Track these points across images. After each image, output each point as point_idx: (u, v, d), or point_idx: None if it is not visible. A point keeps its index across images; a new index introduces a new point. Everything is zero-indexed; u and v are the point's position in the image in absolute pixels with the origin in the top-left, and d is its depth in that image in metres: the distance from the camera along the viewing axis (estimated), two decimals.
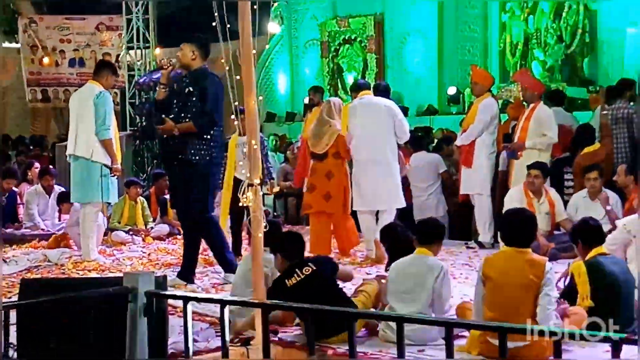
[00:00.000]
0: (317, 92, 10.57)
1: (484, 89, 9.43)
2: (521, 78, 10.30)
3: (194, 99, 7.09)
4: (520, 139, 9.03)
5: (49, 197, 10.65)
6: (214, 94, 7.09)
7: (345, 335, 4.92)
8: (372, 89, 9.16)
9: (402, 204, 8.63)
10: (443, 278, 5.32)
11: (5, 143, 16.09)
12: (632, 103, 9.54)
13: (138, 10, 17.70)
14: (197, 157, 7.05)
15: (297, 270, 5.49)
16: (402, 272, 5.40)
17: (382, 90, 9.22)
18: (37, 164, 11.87)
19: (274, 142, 13.53)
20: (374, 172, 8.50)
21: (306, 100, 15.05)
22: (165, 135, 7.20)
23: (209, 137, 7.10)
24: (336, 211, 8.69)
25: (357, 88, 9.22)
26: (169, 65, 7.33)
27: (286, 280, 5.51)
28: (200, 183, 7.12)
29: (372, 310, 5.36)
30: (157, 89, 7.45)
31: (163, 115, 7.16)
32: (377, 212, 8.64)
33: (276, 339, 5.38)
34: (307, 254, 8.73)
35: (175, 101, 7.18)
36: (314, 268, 5.50)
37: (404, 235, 6.52)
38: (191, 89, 7.12)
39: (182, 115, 7.08)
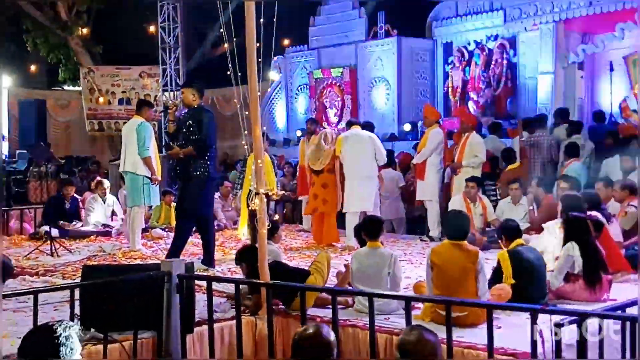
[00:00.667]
0: (313, 123, 10.60)
1: (432, 121, 9.45)
2: (460, 113, 10.32)
3: (193, 129, 7.14)
4: (458, 159, 9.07)
5: (104, 203, 10.56)
6: (207, 125, 7.16)
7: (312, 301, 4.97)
8: (360, 124, 9.28)
9: (371, 208, 8.63)
10: (395, 263, 5.30)
11: (70, 162, 15.94)
12: (544, 133, 9.62)
13: (171, 62, 17.66)
14: (197, 173, 7.12)
15: None
16: (363, 262, 5.37)
17: (368, 126, 9.45)
18: (98, 178, 11.74)
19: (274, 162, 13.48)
20: (360, 184, 8.68)
21: (299, 133, 15.07)
22: (174, 158, 7.33)
23: (206, 157, 7.14)
24: (329, 212, 8.95)
25: (349, 123, 9.51)
26: (174, 105, 7.47)
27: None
28: (200, 191, 7.15)
29: (350, 288, 5.34)
30: (167, 124, 7.43)
31: (170, 143, 7.30)
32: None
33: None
34: (308, 242, 8.91)
35: (181, 132, 7.23)
36: (271, 260, 5.41)
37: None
38: (191, 122, 7.18)
39: (186, 142, 7.16)
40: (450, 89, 14.07)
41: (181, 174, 7.29)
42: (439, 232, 8.96)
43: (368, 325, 4.20)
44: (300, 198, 10.62)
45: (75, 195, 10.67)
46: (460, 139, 9.40)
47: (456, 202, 8.24)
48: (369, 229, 5.58)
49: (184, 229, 7.35)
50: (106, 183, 10.48)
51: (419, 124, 13.11)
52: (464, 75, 13.81)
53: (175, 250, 7.17)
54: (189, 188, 7.20)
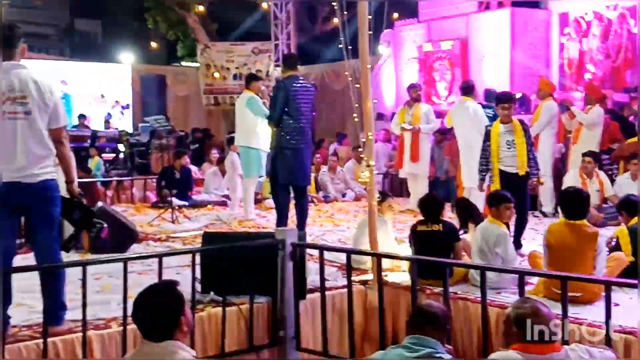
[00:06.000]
0: (416, 89, 10.00)
1: (546, 94, 9.14)
2: (586, 87, 9.85)
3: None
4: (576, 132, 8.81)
5: (223, 177, 10.84)
6: (273, 98, 7.04)
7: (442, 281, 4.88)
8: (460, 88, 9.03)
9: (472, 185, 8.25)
10: (503, 241, 5.18)
11: (191, 135, 16.44)
12: None
13: (283, 37, 17.89)
14: (274, 144, 7.05)
15: (429, 222, 5.41)
16: (478, 236, 5.30)
17: (465, 88, 9.12)
18: (215, 151, 12.11)
19: (383, 135, 13.41)
20: (464, 158, 8.64)
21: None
22: None
23: (280, 127, 6.88)
24: None
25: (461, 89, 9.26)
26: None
27: (418, 225, 5.48)
28: (274, 160, 6.97)
29: (462, 261, 5.27)
30: None
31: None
32: None
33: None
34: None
35: None
36: (441, 229, 5.35)
37: (473, 206, 6.38)
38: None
39: None
40: (565, 61, 13.48)
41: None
42: (552, 207, 8.67)
43: (479, 299, 4.14)
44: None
45: (186, 165, 10.97)
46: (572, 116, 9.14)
47: (571, 178, 7.94)
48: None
49: (274, 196, 7.18)
50: (227, 160, 10.67)
51: (532, 97, 12.67)
52: (581, 47, 13.19)
53: (278, 218, 7.03)
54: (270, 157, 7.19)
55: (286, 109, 6.80)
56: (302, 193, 7.11)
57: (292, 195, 7.36)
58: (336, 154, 12.79)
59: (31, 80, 4.02)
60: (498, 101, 6.72)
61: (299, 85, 6.93)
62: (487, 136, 6.51)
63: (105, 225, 4.43)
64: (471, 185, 8.23)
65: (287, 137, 6.84)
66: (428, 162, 9.67)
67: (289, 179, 6.95)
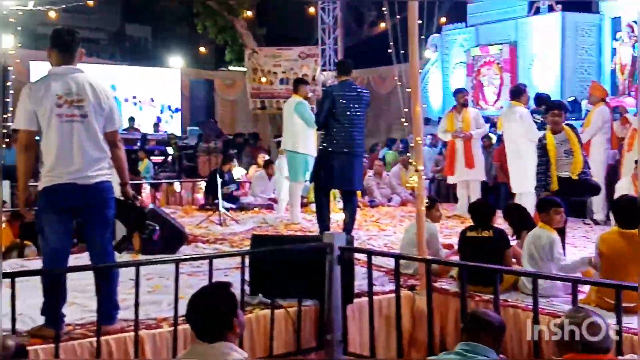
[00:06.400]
0: (464, 94, 9.83)
1: (598, 99, 8.96)
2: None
3: None
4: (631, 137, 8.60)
5: (269, 180, 10.92)
6: (319, 103, 7.12)
7: (491, 288, 4.80)
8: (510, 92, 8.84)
9: (518, 190, 8.19)
10: (551, 246, 5.05)
11: (235, 139, 16.62)
12: None
13: (330, 42, 17.93)
14: (319, 147, 7.16)
15: (479, 228, 5.33)
16: (529, 242, 5.19)
17: (514, 92, 8.80)
18: (263, 154, 12.22)
19: (429, 140, 13.31)
20: (510, 164, 8.50)
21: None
22: None
23: (326, 131, 6.94)
24: None
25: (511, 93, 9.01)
26: None
27: (468, 231, 5.42)
28: (317, 163, 7.07)
29: (512, 268, 5.18)
30: None
31: None
32: None
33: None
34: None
35: None
36: (492, 235, 5.26)
37: (525, 212, 6.26)
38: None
39: None
40: (618, 66, 13.20)
41: None
42: (604, 215, 8.48)
43: (529, 306, 4.07)
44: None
45: (231, 169, 11.08)
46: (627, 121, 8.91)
47: (624, 185, 7.75)
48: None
49: (316, 199, 7.24)
50: (276, 163, 10.73)
51: (583, 102, 12.44)
52: (634, 52, 12.90)
53: (320, 221, 7.05)
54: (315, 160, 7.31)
55: (333, 114, 6.80)
56: (348, 197, 7.11)
57: (336, 198, 7.37)
58: (383, 159, 12.75)
59: (88, 84, 4.11)
60: (548, 108, 6.65)
61: (349, 90, 6.89)
62: (542, 150, 6.29)
63: (158, 227, 4.49)
64: (520, 191, 8.14)
65: (333, 142, 6.83)
66: (483, 167, 9.55)
67: (330, 183, 6.97)
